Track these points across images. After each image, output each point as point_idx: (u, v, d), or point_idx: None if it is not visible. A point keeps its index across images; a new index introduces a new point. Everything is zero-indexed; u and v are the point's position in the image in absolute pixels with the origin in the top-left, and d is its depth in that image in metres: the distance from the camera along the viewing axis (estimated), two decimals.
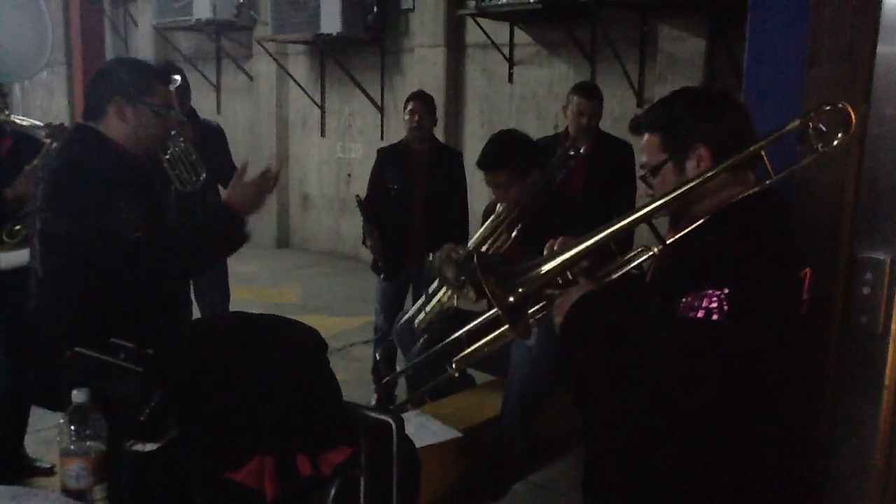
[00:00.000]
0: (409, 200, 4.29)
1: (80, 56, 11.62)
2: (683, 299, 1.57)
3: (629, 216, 1.72)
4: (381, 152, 4.56)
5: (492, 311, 1.94)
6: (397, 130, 7.71)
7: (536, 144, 3.27)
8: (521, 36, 7.03)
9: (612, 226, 1.72)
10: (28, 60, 3.58)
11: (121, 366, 1.71)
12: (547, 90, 6.93)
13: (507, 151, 2.99)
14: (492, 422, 2.55)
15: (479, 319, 1.99)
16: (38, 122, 3.42)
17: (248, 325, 1.69)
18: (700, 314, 1.55)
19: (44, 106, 12.71)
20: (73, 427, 1.52)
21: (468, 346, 1.91)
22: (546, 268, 1.69)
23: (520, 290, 1.64)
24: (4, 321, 3.28)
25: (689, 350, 1.55)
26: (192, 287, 4.15)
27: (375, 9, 7.68)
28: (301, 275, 8.03)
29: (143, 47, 10.27)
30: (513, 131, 3.26)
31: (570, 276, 1.77)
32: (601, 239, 1.72)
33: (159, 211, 2.39)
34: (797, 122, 1.69)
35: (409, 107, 4.32)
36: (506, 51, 7.07)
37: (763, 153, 1.72)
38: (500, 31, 7.04)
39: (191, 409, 1.45)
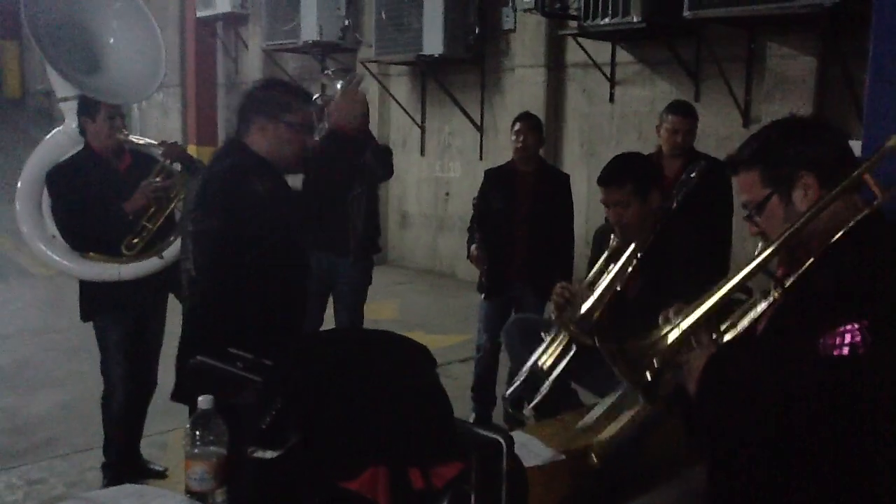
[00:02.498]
0: (512, 221, 4.30)
1: (193, 77, 12.24)
2: (821, 340, 1.52)
3: (750, 265, 1.67)
4: (488, 173, 4.59)
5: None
6: (496, 150, 7.76)
7: (658, 171, 3.23)
8: (622, 55, 6.97)
9: (732, 281, 1.67)
10: (143, 83, 3.78)
11: (240, 375, 1.79)
12: (649, 109, 6.83)
13: (631, 168, 2.95)
14: (598, 444, 2.51)
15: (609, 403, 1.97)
16: (153, 141, 3.62)
17: (363, 339, 1.75)
18: (845, 351, 1.50)
19: (159, 125, 13.37)
20: (197, 432, 1.60)
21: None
22: (673, 338, 1.66)
23: (651, 365, 1.62)
24: (125, 328, 3.47)
25: (841, 388, 1.50)
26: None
27: (477, 29, 7.76)
28: (398, 291, 8.14)
29: (253, 69, 10.69)
30: (636, 152, 3.26)
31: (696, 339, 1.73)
32: (724, 298, 1.68)
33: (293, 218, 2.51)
34: None
35: (516, 127, 4.33)
36: (607, 70, 7.03)
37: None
38: (601, 50, 7.00)
39: (310, 419, 1.50)
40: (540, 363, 2.73)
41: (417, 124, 8.83)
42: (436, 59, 7.77)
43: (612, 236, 2.90)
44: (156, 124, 13.43)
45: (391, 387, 1.56)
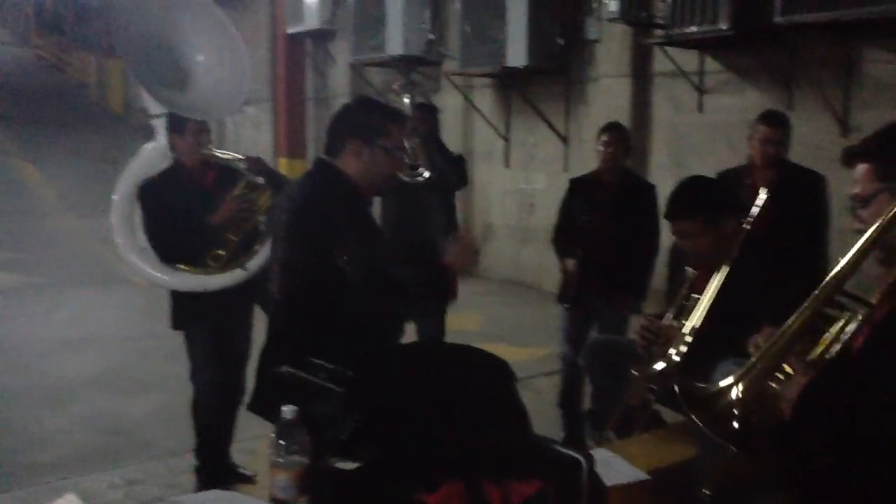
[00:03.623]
0: (594, 232, 4.27)
1: (283, 92, 12.59)
2: None
3: (839, 268, 1.62)
4: (573, 182, 4.57)
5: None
6: (581, 161, 7.69)
7: (730, 191, 3.09)
8: (711, 63, 6.82)
9: (817, 295, 1.62)
10: (229, 98, 3.91)
11: (323, 385, 1.84)
12: (739, 119, 6.63)
13: (698, 198, 2.81)
14: (683, 465, 2.46)
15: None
16: (237, 156, 3.75)
17: (444, 352, 1.77)
18: None
19: (251, 139, 13.80)
20: (281, 441, 1.65)
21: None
22: (755, 373, 1.61)
23: (734, 411, 1.58)
24: (212, 336, 3.58)
25: None
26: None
27: (561, 40, 7.72)
28: (482, 303, 8.14)
29: (340, 83, 10.93)
30: (703, 177, 3.11)
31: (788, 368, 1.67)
32: (807, 319, 1.62)
33: (381, 248, 2.54)
34: None
35: (604, 137, 4.30)
36: (695, 79, 6.88)
37: None
38: (688, 59, 6.86)
39: (390, 431, 1.53)
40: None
41: (501, 136, 8.85)
42: (520, 71, 7.77)
43: (688, 269, 2.80)
44: (248, 138, 13.86)
45: (471, 401, 1.57)
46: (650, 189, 4.54)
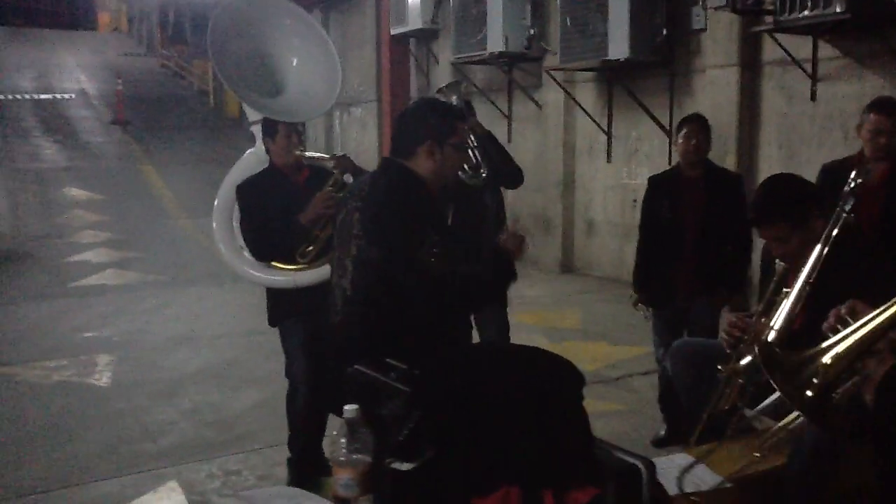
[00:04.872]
0: (680, 230, 4.13)
1: (388, 92, 12.81)
2: None
3: None
4: (653, 180, 4.46)
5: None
6: None
7: (813, 186, 2.89)
8: (825, 50, 6.46)
9: None
10: (321, 100, 3.98)
11: (392, 385, 1.84)
12: (857, 107, 6.25)
13: (780, 202, 2.68)
14: (771, 473, 2.33)
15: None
16: (324, 155, 3.82)
17: (508, 355, 1.74)
18: None
19: (358, 138, 14.09)
20: (343, 440, 1.66)
21: None
22: (841, 349, 1.51)
23: (814, 380, 1.48)
24: (305, 332, 3.66)
25: None
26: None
27: (664, 31, 7.50)
28: (583, 300, 8.03)
29: (443, 82, 10.96)
30: (784, 176, 2.93)
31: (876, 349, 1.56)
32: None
33: (453, 244, 2.56)
34: None
35: (685, 130, 4.18)
36: (808, 67, 6.53)
37: None
38: (800, 45, 6.52)
39: (447, 433, 1.51)
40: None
41: (604, 131, 8.68)
42: (621, 64, 7.60)
43: (778, 261, 2.65)
44: (355, 138, 14.17)
45: (531, 405, 1.54)
46: (737, 180, 4.40)
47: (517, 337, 6.40)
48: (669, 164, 7.84)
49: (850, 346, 1.51)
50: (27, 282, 8.80)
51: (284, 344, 3.74)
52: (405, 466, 1.50)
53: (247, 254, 3.78)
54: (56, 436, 4.51)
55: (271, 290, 3.77)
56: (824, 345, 1.54)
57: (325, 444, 3.72)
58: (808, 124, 6.69)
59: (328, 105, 4.12)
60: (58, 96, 19.42)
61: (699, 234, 4.10)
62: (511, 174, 4.32)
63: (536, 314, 7.39)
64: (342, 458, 1.65)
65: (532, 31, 8.90)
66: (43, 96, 19.19)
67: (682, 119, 4.32)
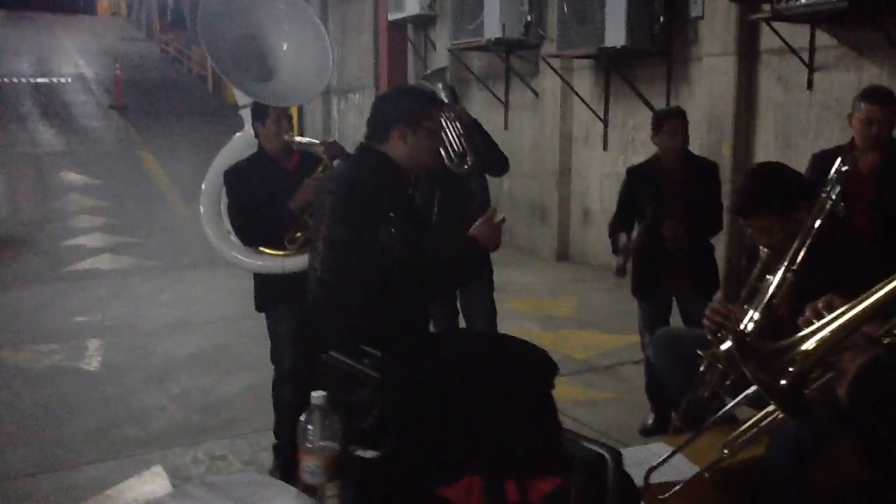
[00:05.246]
0: (662, 221, 4.12)
1: (385, 79, 12.73)
2: None
3: None
4: (632, 171, 4.45)
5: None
6: None
7: (800, 177, 2.85)
8: (823, 38, 6.41)
9: None
10: (311, 84, 3.95)
11: (364, 372, 1.82)
12: (853, 97, 6.22)
13: (766, 193, 2.63)
14: (749, 464, 2.31)
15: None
16: (314, 140, 3.79)
17: (479, 344, 1.72)
18: None
19: (356, 124, 14.04)
20: (310, 427, 1.64)
21: None
22: (816, 341, 1.48)
23: (790, 369, 1.45)
24: (293, 318, 3.64)
25: None
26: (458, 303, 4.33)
27: (662, 18, 7.45)
28: (578, 288, 8.01)
29: (447, 67, 10.93)
30: (769, 166, 2.88)
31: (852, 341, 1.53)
32: (887, 297, 1.47)
33: (422, 228, 2.55)
34: None
35: (668, 125, 4.19)
36: (805, 55, 6.48)
37: None
38: (798, 34, 6.47)
39: (412, 422, 1.49)
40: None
41: (600, 118, 8.64)
42: (618, 51, 7.54)
43: (762, 249, 2.62)
44: (353, 124, 14.11)
45: (497, 395, 1.52)
46: (712, 167, 4.46)
47: (510, 324, 6.40)
48: None
49: (826, 336, 1.48)
50: (21, 266, 8.78)
51: (271, 330, 3.73)
52: (370, 454, 1.48)
53: (234, 238, 3.76)
54: (44, 420, 4.51)
55: (259, 275, 3.75)
56: (800, 335, 1.51)
57: None
58: (804, 113, 6.65)
59: (319, 90, 4.10)
60: (56, 80, 19.36)
61: (682, 226, 4.09)
62: (497, 162, 4.31)
63: (530, 301, 7.38)
64: (308, 445, 1.63)
65: (529, 18, 8.84)
66: (41, 80, 19.12)
67: (663, 112, 4.36)
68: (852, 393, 1.43)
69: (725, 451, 1.89)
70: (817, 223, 2.41)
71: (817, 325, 1.52)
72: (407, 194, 2.54)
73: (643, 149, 8.24)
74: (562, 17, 7.97)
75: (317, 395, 1.66)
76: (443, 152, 3.99)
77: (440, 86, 4.13)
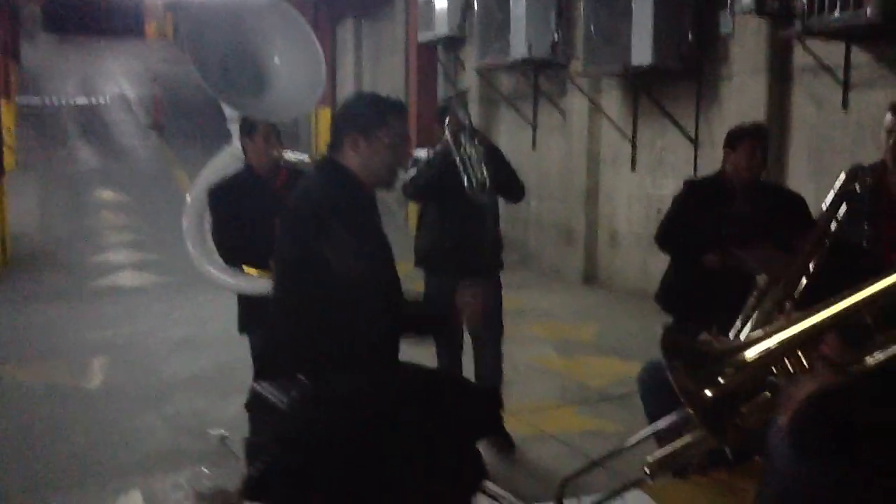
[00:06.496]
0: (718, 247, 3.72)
1: (414, 101, 12.65)
2: None
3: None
4: (692, 186, 4.03)
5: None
6: (712, 164, 7.05)
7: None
8: (858, 56, 6.11)
9: (864, 290, 1.25)
10: (303, 99, 3.81)
11: (281, 408, 1.64)
12: None
13: None
14: None
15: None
16: (304, 156, 3.64)
17: (405, 394, 1.52)
18: None
19: None
20: (205, 470, 1.46)
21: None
22: (759, 349, 1.26)
23: (720, 380, 1.23)
24: None
25: None
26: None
27: (690, 36, 7.21)
28: (602, 314, 7.75)
29: (469, 89, 10.80)
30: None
31: (804, 362, 1.31)
32: (845, 311, 1.25)
33: (380, 245, 2.35)
34: None
35: (748, 142, 3.70)
36: (840, 73, 6.19)
37: None
38: (833, 51, 6.18)
39: (295, 476, 1.30)
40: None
41: (628, 139, 8.40)
42: (646, 71, 7.33)
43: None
44: None
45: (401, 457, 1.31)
46: (799, 201, 3.87)
47: (526, 349, 6.19)
48: (695, 174, 7.53)
49: (771, 347, 1.26)
50: (47, 281, 8.83)
51: (253, 352, 3.58)
52: None
53: (217, 257, 3.63)
54: (32, 440, 4.40)
55: (242, 295, 3.61)
56: (742, 341, 1.29)
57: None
58: (839, 133, 6.33)
59: (311, 105, 3.96)
60: (98, 101, 19.71)
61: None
62: (516, 191, 4.29)
63: (550, 326, 7.14)
64: (203, 491, 1.45)
65: (556, 38, 8.67)
66: (83, 101, 19.49)
67: (743, 129, 3.83)
68: (794, 424, 1.20)
69: (647, 471, 1.66)
70: (816, 245, 2.17)
71: (760, 333, 1.30)
72: (362, 207, 2.33)
73: (672, 170, 7.98)
74: (588, 36, 7.78)
75: (215, 434, 1.48)
76: (464, 178, 3.96)
77: (463, 111, 4.04)
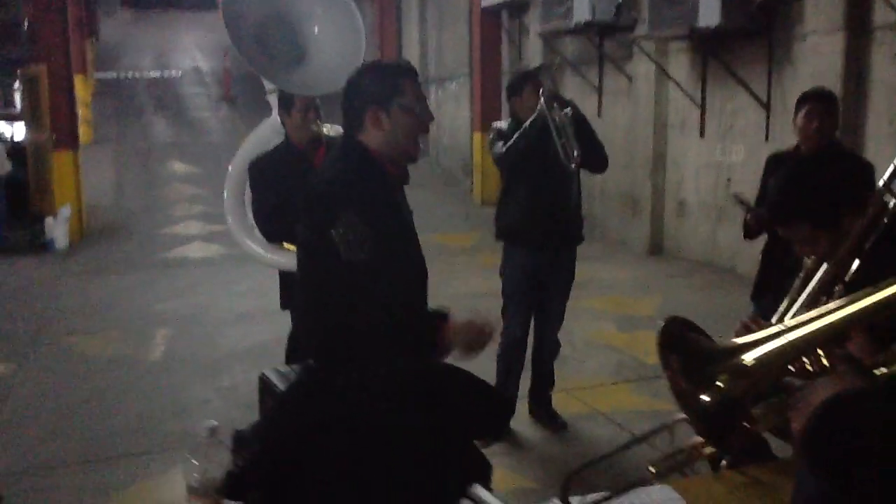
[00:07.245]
0: None
1: (479, 66, 12.46)
2: None
3: None
4: (771, 159, 3.94)
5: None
6: (785, 130, 6.77)
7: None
8: None
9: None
10: (342, 72, 3.71)
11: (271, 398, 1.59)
12: None
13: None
14: None
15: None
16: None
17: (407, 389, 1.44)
18: None
19: (452, 113, 13.85)
20: (196, 462, 1.43)
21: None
22: (771, 348, 1.13)
23: (719, 383, 1.11)
24: None
25: None
26: None
27: None
28: (667, 285, 7.53)
29: (533, 54, 10.56)
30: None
31: (823, 363, 1.18)
32: (869, 308, 1.11)
33: (401, 232, 2.26)
34: None
35: (805, 109, 3.62)
36: None
37: None
38: None
39: (269, 477, 1.25)
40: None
41: (696, 104, 8.07)
42: (713, 32, 7.00)
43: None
44: (449, 114, 13.92)
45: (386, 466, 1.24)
46: (868, 168, 3.74)
47: (584, 324, 6.05)
48: (766, 140, 7.20)
49: (784, 346, 1.13)
50: (117, 253, 9.07)
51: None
52: None
53: (258, 233, 3.61)
54: (93, 410, 4.53)
55: (283, 272, 3.60)
56: (749, 338, 1.17)
57: None
58: None
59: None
60: (172, 74, 20.10)
61: None
62: (602, 162, 4.20)
63: (612, 299, 6.96)
64: (194, 485, 1.42)
65: (620, 0, 8.37)
66: (157, 74, 19.90)
67: (802, 96, 3.73)
68: (808, 433, 1.07)
69: (652, 470, 1.55)
70: (871, 223, 1.98)
71: (770, 331, 1.17)
72: (381, 190, 2.22)
73: (742, 137, 7.65)
74: None
75: (205, 426, 1.44)
76: (559, 148, 3.92)
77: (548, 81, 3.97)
